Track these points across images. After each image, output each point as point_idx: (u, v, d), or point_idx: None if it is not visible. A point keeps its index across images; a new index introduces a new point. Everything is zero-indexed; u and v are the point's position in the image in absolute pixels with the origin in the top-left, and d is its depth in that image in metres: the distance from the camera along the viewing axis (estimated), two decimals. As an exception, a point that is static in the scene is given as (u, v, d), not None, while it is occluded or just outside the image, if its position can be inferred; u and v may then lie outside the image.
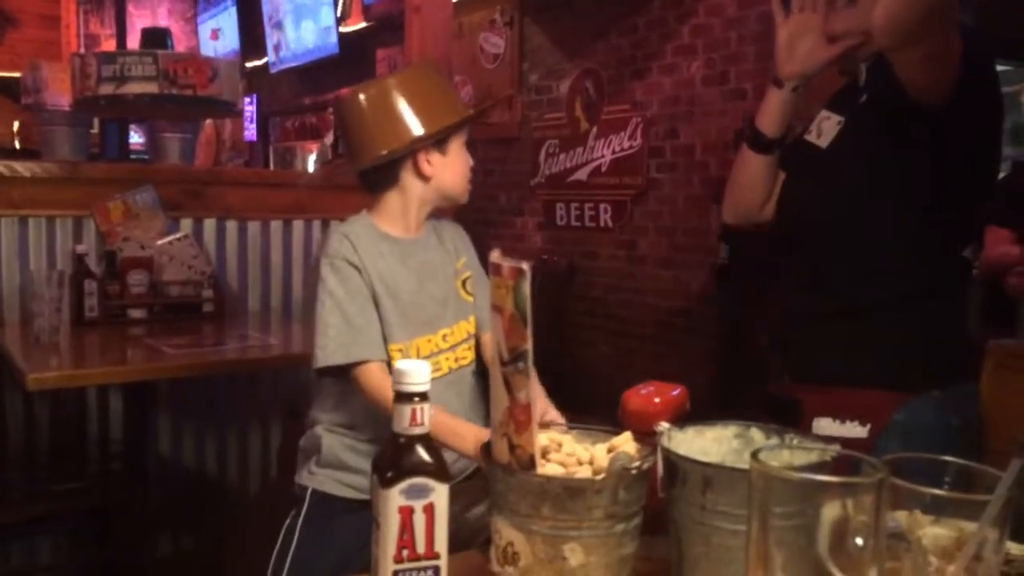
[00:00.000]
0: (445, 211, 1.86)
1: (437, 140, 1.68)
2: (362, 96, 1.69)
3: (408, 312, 1.67)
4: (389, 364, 1.62)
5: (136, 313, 2.76)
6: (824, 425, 1.40)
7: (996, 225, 2.97)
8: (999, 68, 1.47)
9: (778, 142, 1.57)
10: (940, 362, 1.41)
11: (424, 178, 1.70)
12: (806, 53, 1.47)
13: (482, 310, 1.76)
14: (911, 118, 1.32)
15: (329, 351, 1.60)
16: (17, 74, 5.25)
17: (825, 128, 1.54)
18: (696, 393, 1.16)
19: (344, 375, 1.63)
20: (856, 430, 1.39)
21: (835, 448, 0.82)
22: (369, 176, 1.73)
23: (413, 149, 1.67)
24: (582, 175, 4.88)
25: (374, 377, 1.59)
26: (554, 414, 1.50)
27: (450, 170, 1.72)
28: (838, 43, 1.45)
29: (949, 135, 1.32)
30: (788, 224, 1.60)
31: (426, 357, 1.66)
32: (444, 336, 1.71)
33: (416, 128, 1.66)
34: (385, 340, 1.65)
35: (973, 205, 1.45)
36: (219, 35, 8.11)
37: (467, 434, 1.49)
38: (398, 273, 1.68)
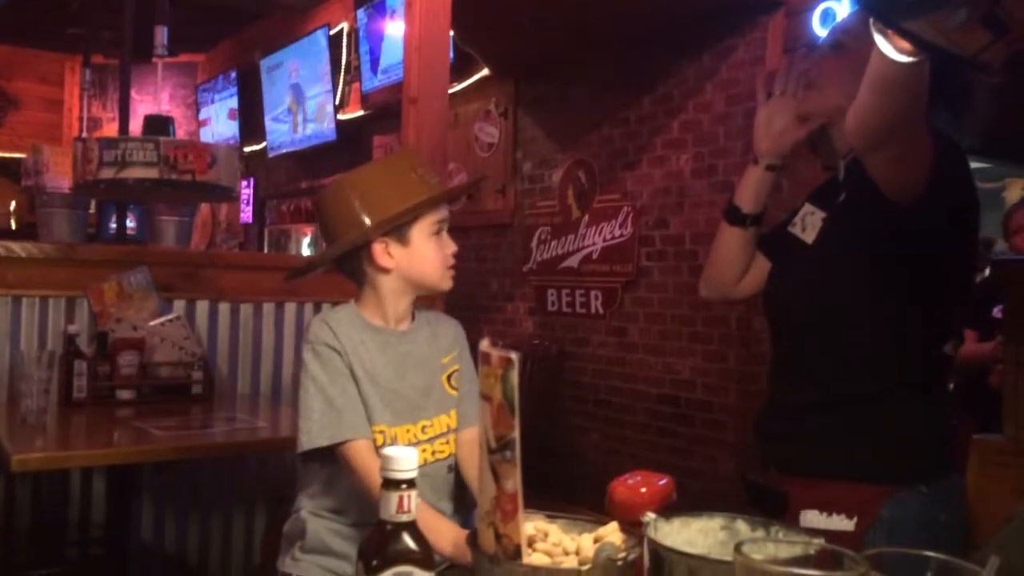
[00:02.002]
0: (434, 298, 1.85)
1: (392, 230, 1.65)
2: (327, 191, 1.72)
3: (387, 400, 1.66)
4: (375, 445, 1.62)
5: (125, 394, 2.74)
6: (811, 518, 1.40)
7: (966, 326, 3.04)
8: (980, 165, 1.54)
9: (752, 218, 1.64)
10: (924, 456, 1.42)
11: (384, 270, 1.67)
12: (779, 132, 1.60)
13: (465, 406, 1.73)
14: (886, 217, 1.36)
15: (313, 434, 1.60)
16: (18, 155, 5.35)
17: (810, 222, 1.59)
18: (685, 482, 1.16)
19: (330, 457, 1.62)
20: (844, 523, 1.39)
21: (819, 542, 0.82)
22: (341, 269, 1.74)
23: (367, 241, 1.65)
24: (573, 262, 4.93)
25: (361, 456, 1.58)
26: None
27: (415, 260, 1.67)
28: (806, 125, 1.57)
29: (923, 233, 1.36)
30: (773, 316, 1.63)
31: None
32: (423, 428, 1.69)
33: (362, 221, 1.64)
34: (369, 421, 1.64)
35: (952, 301, 1.48)
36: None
37: (446, 532, 1.48)
38: (378, 362, 1.68)
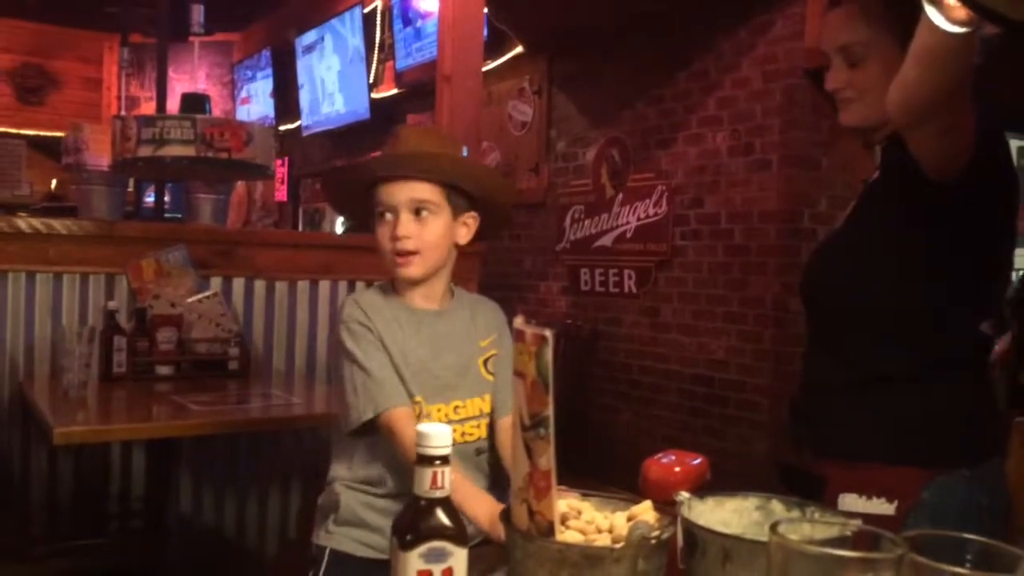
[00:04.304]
0: (467, 277, 1.79)
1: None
2: None
3: (419, 378, 1.66)
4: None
5: (163, 370, 2.79)
6: (850, 501, 1.38)
7: None
8: (1017, 143, 1.49)
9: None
10: (966, 438, 1.39)
11: None
12: None
13: (504, 393, 1.70)
14: (923, 194, 1.33)
15: (361, 409, 1.61)
16: (58, 133, 5.42)
17: None
18: (718, 462, 1.15)
19: (371, 427, 1.63)
20: (883, 507, 1.36)
21: (856, 523, 0.81)
22: None
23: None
24: (607, 241, 4.91)
25: (402, 423, 1.58)
26: None
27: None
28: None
29: (961, 210, 1.33)
30: (807, 295, 1.60)
31: None
32: (456, 408, 1.69)
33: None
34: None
35: (990, 278, 1.45)
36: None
37: (483, 503, 1.48)
38: (410, 341, 1.67)
